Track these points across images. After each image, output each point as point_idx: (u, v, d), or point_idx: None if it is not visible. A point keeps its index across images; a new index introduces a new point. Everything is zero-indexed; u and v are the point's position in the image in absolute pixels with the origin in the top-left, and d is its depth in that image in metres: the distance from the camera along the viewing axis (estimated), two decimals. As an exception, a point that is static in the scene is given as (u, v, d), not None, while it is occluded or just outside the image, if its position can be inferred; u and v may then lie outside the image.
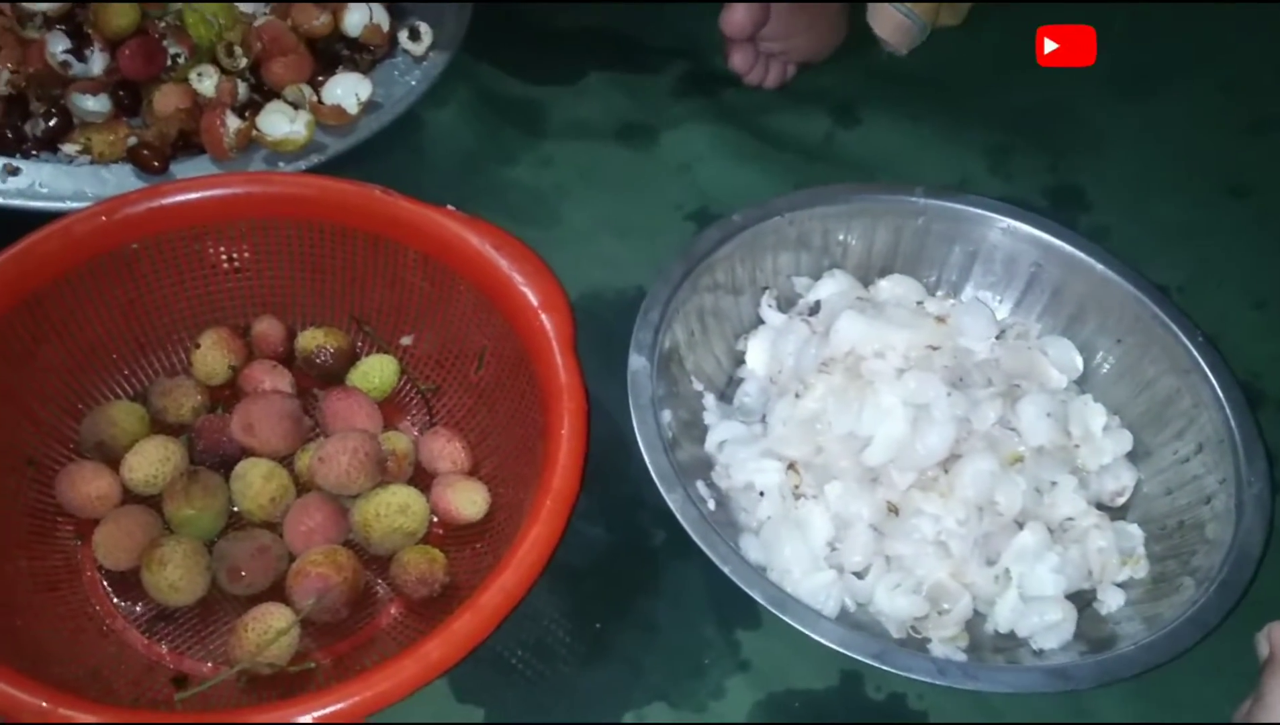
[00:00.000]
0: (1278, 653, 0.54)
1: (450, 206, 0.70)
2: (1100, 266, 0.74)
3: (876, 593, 0.64)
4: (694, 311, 0.72)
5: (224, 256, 0.71)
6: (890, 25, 0.82)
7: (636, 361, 0.66)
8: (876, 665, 0.57)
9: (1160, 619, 0.62)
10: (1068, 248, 0.75)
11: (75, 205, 0.75)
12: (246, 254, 0.72)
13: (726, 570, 0.59)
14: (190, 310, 0.72)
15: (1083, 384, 0.74)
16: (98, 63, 0.80)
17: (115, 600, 0.64)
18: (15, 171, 0.76)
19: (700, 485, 0.67)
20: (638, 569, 0.68)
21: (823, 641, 0.57)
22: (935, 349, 0.69)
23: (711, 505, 0.67)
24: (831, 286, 0.75)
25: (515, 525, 0.62)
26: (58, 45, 0.79)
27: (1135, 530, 0.68)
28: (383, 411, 0.71)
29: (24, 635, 0.60)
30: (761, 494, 0.67)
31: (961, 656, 0.62)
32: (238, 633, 0.61)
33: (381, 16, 0.88)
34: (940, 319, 0.71)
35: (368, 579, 0.65)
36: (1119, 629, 0.63)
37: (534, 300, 0.66)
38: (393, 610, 0.65)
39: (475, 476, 0.69)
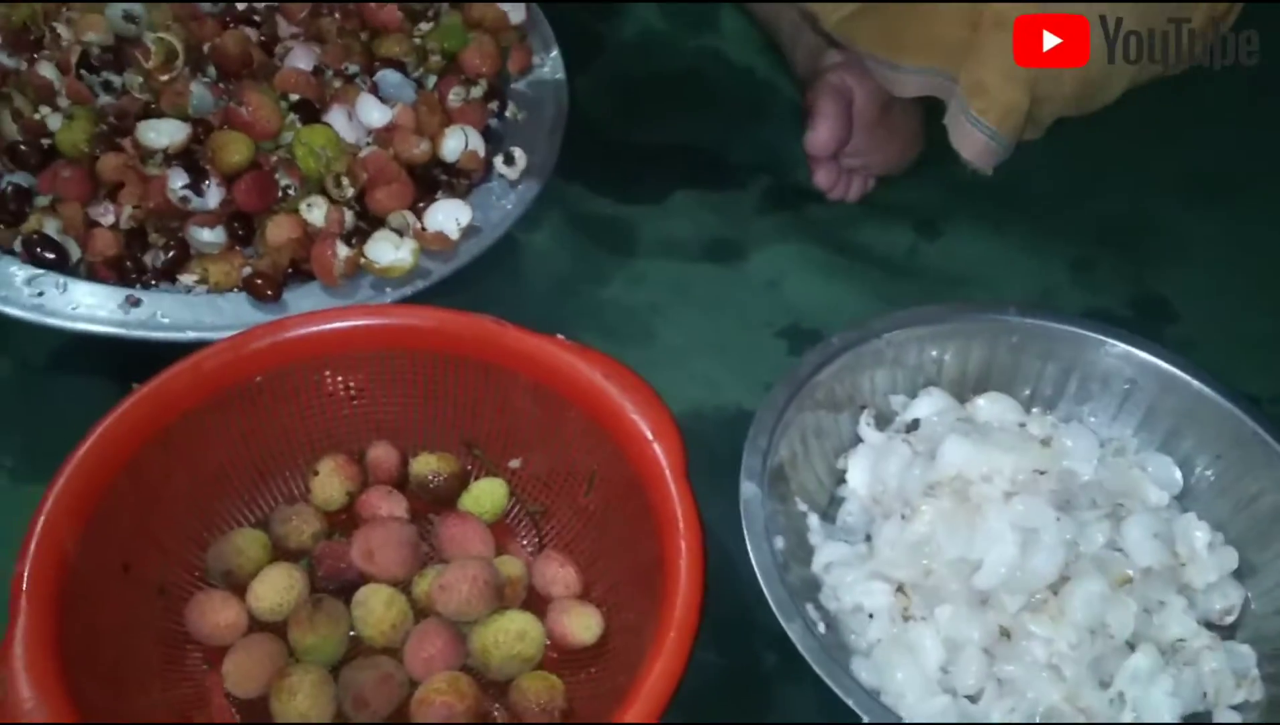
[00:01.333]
0: None
1: (560, 336, 0.72)
2: (1195, 382, 0.75)
3: (991, 717, 0.65)
4: (796, 432, 0.73)
5: (341, 385, 0.74)
6: (975, 148, 0.84)
7: (748, 489, 0.68)
8: (1002, 797, 0.58)
9: (1280, 744, 0.62)
10: (1162, 364, 0.76)
11: (194, 335, 0.78)
12: (362, 382, 0.74)
13: (851, 703, 0.59)
14: (308, 438, 0.74)
15: (1183, 500, 0.75)
16: (214, 196, 0.84)
17: (244, 729, 0.66)
18: (137, 302, 0.80)
19: (809, 608, 0.68)
20: (751, 694, 0.69)
21: (947, 773, 0.58)
22: (1042, 472, 0.70)
23: (821, 628, 0.68)
24: (928, 405, 0.77)
25: (630, 650, 0.63)
26: (177, 181, 0.83)
27: (1247, 650, 0.68)
28: (492, 534, 0.73)
29: (159, 767, 0.62)
30: (871, 616, 0.68)
31: (1081, 784, 0.62)
32: (367, 763, 0.62)
33: (477, 142, 0.91)
34: (1045, 442, 0.72)
35: (487, 705, 0.66)
36: (1238, 754, 0.63)
37: (645, 429, 0.68)
38: (512, 736, 0.66)
39: (586, 600, 0.70)
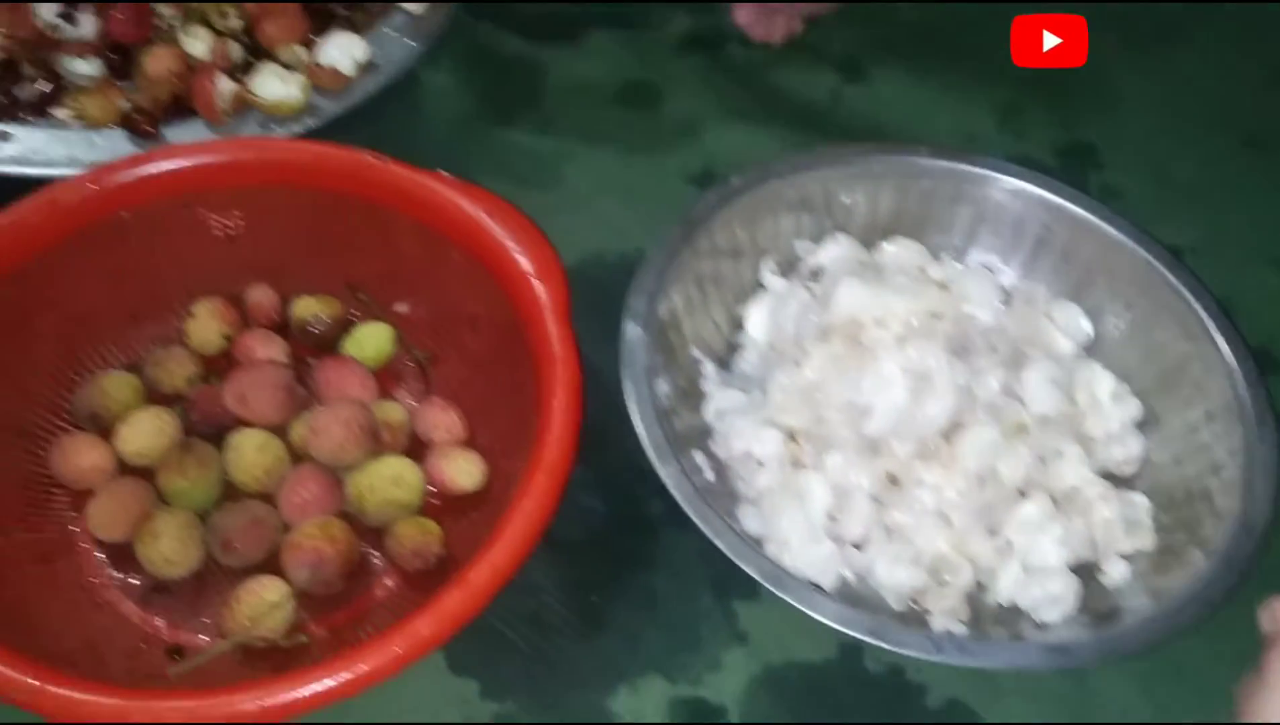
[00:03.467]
0: (1280, 630, 0.53)
1: (443, 171, 0.69)
2: (1109, 228, 0.72)
3: (876, 565, 0.63)
4: (692, 277, 0.70)
5: (216, 224, 0.70)
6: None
7: (631, 330, 0.65)
8: (872, 641, 0.56)
9: (1166, 592, 0.60)
10: (1076, 209, 0.73)
11: (68, 171, 0.74)
12: (239, 221, 0.71)
13: (720, 544, 0.58)
14: (183, 279, 0.71)
15: (1092, 351, 0.72)
16: (88, 25, 0.79)
17: (110, 572, 0.64)
18: (7, 137, 0.75)
19: (698, 455, 0.66)
20: (635, 541, 0.67)
21: (818, 617, 0.57)
22: (938, 317, 0.67)
23: (710, 475, 0.66)
24: (834, 251, 0.74)
25: (512, 496, 0.61)
26: (49, 9, 0.78)
27: (1142, 500, 0.66)
28: (379, 380, 0.70)
29: (17, 609, 0.60)
30: (760, 463, 0.66)
31: (961, 630, 0.61)
32: (231, 605, 0.60)
33: (377, -26, 0.86)
34: (943, 285, 0.69)
35: (363, 551, 0.65)
36: (1124, 602, 0.62)
37: (528, 267, 0.65)
38: (388, 582, 0.65)
39: (472, 447, 0.68)
